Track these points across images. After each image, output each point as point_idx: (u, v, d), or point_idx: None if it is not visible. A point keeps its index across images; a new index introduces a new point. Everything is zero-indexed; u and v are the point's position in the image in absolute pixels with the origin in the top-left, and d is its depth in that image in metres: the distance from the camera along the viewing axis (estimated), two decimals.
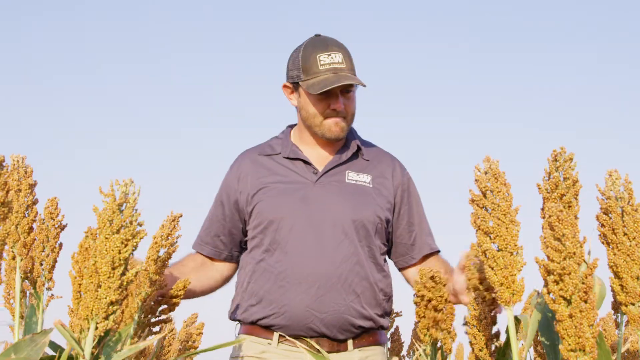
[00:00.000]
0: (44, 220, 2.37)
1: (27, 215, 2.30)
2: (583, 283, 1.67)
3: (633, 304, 1.87)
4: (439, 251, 2.95)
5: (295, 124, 2.99)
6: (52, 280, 2.35)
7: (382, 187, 2.85)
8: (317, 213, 2.72)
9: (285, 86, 2.90)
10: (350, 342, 2.70)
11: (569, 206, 1.78)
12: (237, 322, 2.85)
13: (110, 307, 1.82)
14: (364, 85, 2.70)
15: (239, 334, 2.81)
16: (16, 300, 2.28)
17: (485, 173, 1.80)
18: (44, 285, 2.34)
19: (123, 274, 1.80)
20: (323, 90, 2.66)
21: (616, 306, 2.42)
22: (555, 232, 1.69)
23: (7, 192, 2.17)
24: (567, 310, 1.68)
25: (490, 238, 1.79)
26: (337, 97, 2.74)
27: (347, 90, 2.77)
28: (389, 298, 2.84)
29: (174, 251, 2.35)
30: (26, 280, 2.32)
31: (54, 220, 2.36)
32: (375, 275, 2.76)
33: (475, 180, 1.81)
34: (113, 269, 1.78)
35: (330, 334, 2.65)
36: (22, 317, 2.29)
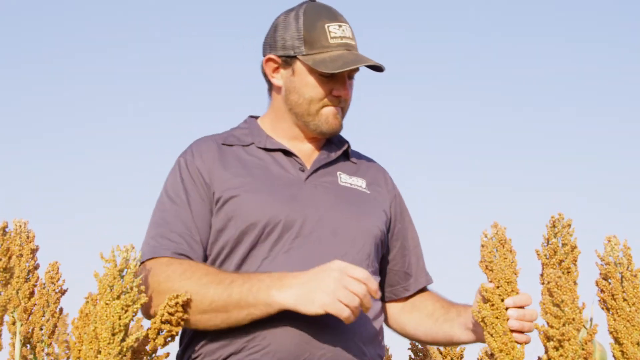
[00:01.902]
0: (44, 285, 2.38)
1: (28, 280, 2.30)
2: (583, 349, 1.67)
3: None
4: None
5: (258, 116, 2.33)
6: (52, 345, 2.35)
7: (378, 195, 2.26)
8: (313, 218, 2.06)
9: (270, 60, 2.20)
10: None
11: (568, 272, 1.79)
12: None
13: None
14: (383, 70, 2.12)
15: None
16: None
17: (492, 239, 1.78)
18: (43, 350, 2.33)
19: (123, 340, 1.79)
20: (344, 69, 2.05)
21: None
22: (554, 298, 1.69)
23: (10, 257, 2.18)
24: None
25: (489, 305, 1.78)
26: (344, 81, 2.14)
27: (350, 75, 2.18)
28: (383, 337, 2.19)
29: None
30: (27, 345, 2.31)
31: (54, 284, 2.37)
32: (376, 305, 2.12)
33: (482, 246, 1.79)
34: (113, 335, 1.78)
35: None
36: None
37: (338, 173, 2.22)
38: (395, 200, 2.33)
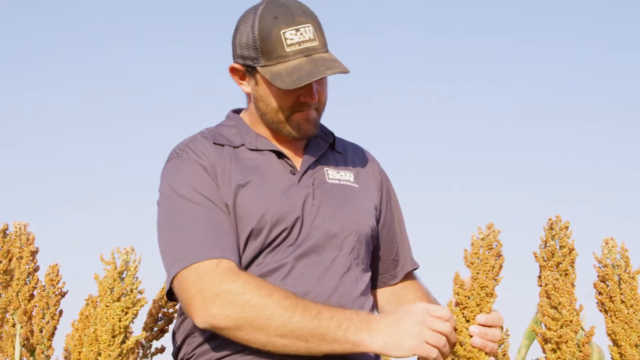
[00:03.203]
0: (44, 287, 2.38)
1: (28, 282, 2.31)
2: (580, 351, 1.68)
3: None
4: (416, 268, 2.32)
5: (242, 109, 2.26)
6: (52, 347, 2.36)
7: (367, 186, 2.20)
8: (307, 222, 2.03)
9: (233, 69, 2.12)
10: None
11: (566, 274, 1.80)
12: None
13: None
14: (348, 72, 2.06)
15: None
16: None
17: (482, 240, 1.75)
18: (43, 352, 2.34)
19: (123, 342, 1.80)
20: (298, 85, 1.96)
21: None
22: (552, 301, 1.70)
23: (10, 260, 2.19)
24: None
25: (460, 309, 1.75)
26: (310, 86, 2.03)
27: None
28: None
29: (173, 315, 2.35)
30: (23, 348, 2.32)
31: (54, 287, 2.37)
32: (368, 302, 2.10)
33: (471, 244, 1.76)
34: (113, 336, 1.79)
35: None
36: None
37: (325, 169, 2.15)
38: (382, 186, 2.28)
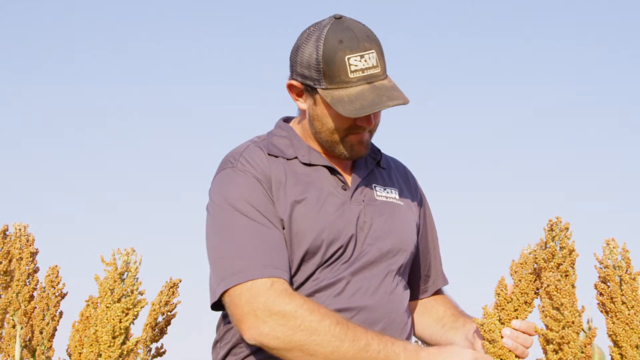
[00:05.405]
0: (44, 288, 2.38)
1: (28, 283, 2.31)
2: (582, 352, 1.68)
3: None
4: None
5: (291, 118, 2.28)
6: (52, 348, 2.35)
7: (409, 204, 2.23)
8: (360, 239, 2.04)
9: (291, 86, 2.11)
10: None
11: (566, 275, 1.79)
12: None
13: None
14: (408, 102, 2.01)
15: None
16: None
17: (530, 254, 1.79)
18: (43, 353, 2.34)
19: (123, 342, 1.80)
20: (359, 115, 1.95)
21: None
22: (554, 302, 1.70)
23: (10, 261, 2.19)
24: None
25: (498, 310, 1.79)
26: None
27: None
28: None
29: (172, 317, 2.35)
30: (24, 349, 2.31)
31: (54, 288, 2.37)
32: (410, 320, 2.14)
33: (520, 255, 1.80)
34: (114, 337, 1.78)
35: None
36: None
37: (373, 185, 2.18)
38: (419, 202, 2.31)
